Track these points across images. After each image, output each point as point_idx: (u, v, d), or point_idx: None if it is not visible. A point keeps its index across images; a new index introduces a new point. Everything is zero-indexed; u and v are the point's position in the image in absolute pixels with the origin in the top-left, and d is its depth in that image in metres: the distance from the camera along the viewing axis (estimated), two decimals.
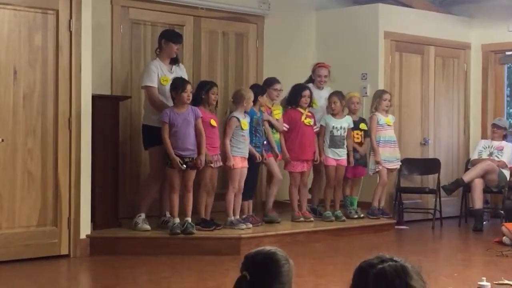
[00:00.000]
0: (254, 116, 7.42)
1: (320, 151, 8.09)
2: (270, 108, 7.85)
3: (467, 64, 10.17)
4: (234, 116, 7.20)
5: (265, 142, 7.61)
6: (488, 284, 5.28)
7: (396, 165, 8.75)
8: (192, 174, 6.94)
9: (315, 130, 8.07)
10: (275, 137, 7.82)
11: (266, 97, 7.69)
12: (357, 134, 8.44)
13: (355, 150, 8.36)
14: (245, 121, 7.23)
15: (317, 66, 8.44)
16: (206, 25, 8.59)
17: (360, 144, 8.44)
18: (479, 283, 5.31)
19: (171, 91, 6.93)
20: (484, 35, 10.00)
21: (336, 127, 8.11)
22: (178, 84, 6.89)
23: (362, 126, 8.48)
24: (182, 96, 6.82)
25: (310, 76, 8.45)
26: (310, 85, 8.28)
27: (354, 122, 8.38)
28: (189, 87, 6.89)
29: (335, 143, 8.12)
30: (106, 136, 7.14)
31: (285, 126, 7.89)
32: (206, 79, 7.81)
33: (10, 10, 6.31)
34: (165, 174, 7.02)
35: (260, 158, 7.45)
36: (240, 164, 7.24)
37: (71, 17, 6.60)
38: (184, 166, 6.81)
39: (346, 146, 8.19)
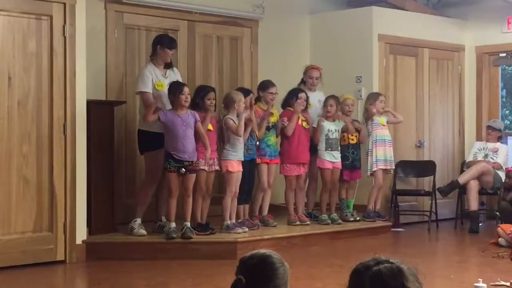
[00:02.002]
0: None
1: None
2: (264, 111, 7.83)
3: (461, 66, 10.19)
4: (229, 118, 7.20)
5: (257, 143, 7.60)
6: (484, 285, 5.28)
7: (390, 166, 8.74)
8: (192, 178, 6.94)
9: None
10: (270, 140, 7.80)
11: (251, 99, 7.60)
12: (352, 136, 8.45)
13: (352, 148, 8.39)
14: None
15: (309, 68, 8.46)
16: (200, 29, 8.60)
17: (356, 143, 8.48)
18: (475, 284, 5.31)
19: (169, 95, 6.93)
20: (478, 37, 10.02)
21: (331, 130, 8.13)
22: (175, 87, 6.91)
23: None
24: (180, 98, 6.82)
25: (302, 79, 8.46)
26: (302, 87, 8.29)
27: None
28: (186, 89, 6.89)
29: (331, 145, 8.13)
30: (101, 141, 7.14)
31: (285, 121, 7.84)
32: (200, 84, 7.84)
33: (3, 16, 6.30)
34: (163, 179, 7.03)
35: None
36: (236, 168, 7.24)
37: (65, 23, 6.60)
38: (183, 170, 6.81)
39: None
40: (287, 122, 7.81)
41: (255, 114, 7.53)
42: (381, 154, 8.60)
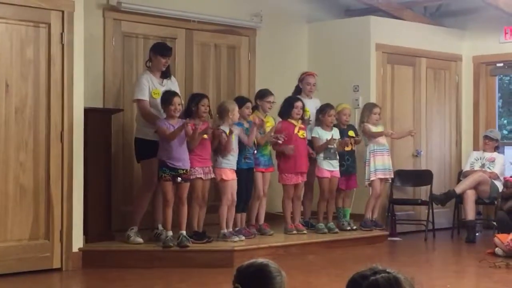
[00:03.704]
0: (241, 127, 7.40)
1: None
2: (263, 120, 7.83)
3: (459, 76, 10.21)
4: (221, 130, 7.19)
5: (255, 152, 7.60)
6: None
7: (389, 175, 8.75)
8: (186, 186, 6.94)
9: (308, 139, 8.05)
10: (267, 149, 7.81)
11: (246, 110, 7.60)
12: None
13: (347, 155, 8.39)
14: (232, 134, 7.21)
15: (305, 75, 8.46)
16: (198, 37, 8.61)
17: (351, 150, 8.48)
18: None
19: (161, 104, 6.95)
20: (475, 47, 10.04)
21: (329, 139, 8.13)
22: (165, 98, 6.93)
23: (351, 133, 8.51)
24: (169, 109, 6.85)
25: (297, 86, 8.45)
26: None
27: (343, 130, 8.41)
28: (176, 100, 6.89)
29: (329, 154, 8.15)
30: (99, 149, 7.13)
31: (282, 137, 7.82)
32: (198, 92, 7.82)
33: (1, 24, 6.31)
34: (159, 187, 7.02)
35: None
36: (230, 176, 7.24)
37: (63, 30, 6.60)
38: (179, 179, 6.82)
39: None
40: (284, 137, 7.76)
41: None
42: (380, 164, 8.60)
